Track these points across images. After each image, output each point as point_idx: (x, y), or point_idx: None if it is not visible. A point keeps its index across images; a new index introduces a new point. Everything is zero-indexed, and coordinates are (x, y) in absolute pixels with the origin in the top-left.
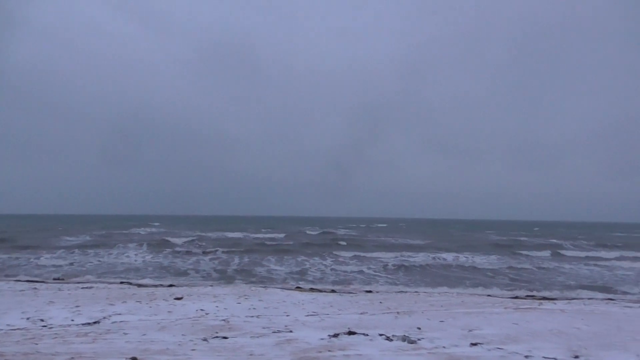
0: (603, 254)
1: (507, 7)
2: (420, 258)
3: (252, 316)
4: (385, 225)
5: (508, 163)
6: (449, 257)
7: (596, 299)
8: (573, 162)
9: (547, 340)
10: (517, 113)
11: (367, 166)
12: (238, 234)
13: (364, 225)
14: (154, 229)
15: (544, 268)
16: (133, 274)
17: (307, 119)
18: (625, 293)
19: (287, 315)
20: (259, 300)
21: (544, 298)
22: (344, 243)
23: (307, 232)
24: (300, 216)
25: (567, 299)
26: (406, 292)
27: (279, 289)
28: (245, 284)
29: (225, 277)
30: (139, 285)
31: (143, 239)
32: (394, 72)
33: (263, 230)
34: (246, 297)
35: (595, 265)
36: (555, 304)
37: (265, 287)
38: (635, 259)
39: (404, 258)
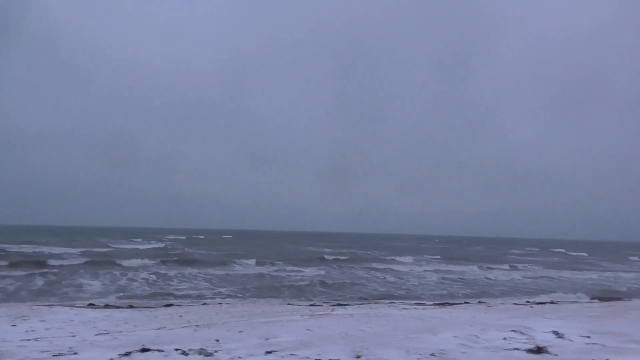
0: (403, 263)
1: (338, 22)
2: (245, 269)
3: (29, 339)
4: (202, 237)
5: (324, 177)
6: (272, 268)
7: (381, 302)
8: (379, 178)
9: (336, 344)
10: (337, 129)
11: (183, 174)
12: (32, 247)
13: (184, 237)
14: None
15: (356, 277)
16: None
17: (121, 118)
18: (419, 297)
19: (73, 336)
20: (41, 320)
21: (339, 304)
22: (168, 257)
23: (113, 245)
24: (110, 227)
25: (357, 304)
26: (209, 304)
27: (67, 307)
28: (27, 302)
29: (11, 297)
30: None
31: None
32: (218, 75)
33: (67, 241)
34: (25, 318)
35: (398, 272)
36: (346, 309)
37: (50, 305)
38: (437, 271)
39: (228, 270)
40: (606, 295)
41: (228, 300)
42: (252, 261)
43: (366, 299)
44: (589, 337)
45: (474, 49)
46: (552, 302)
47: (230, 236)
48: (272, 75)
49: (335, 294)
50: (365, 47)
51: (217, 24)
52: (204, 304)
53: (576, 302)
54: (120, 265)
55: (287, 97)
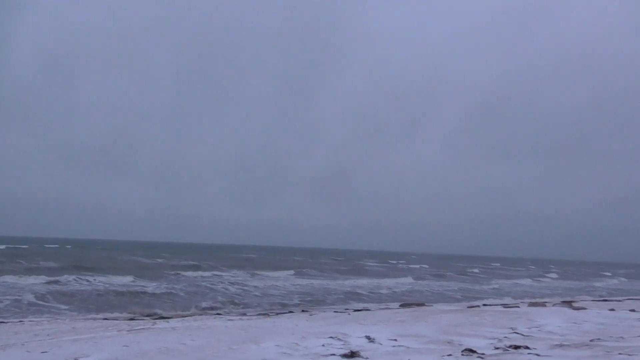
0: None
1: (186, 19)
2: (69, 282)
3: None
4: (26, 247)
5: (155, 183)
6: (100, 280)
7: (206, 314)
8: (215, 187)
9: (154, 359)
10: (172, 130)
11: None
12: None
13: (2, 247)
14: None
15: (194, 289)
16: None
17: None
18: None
19: None
20: None
21: (161, 317)
22: None
23: None
24: None
25: (181, 316)
26: (8, 322)
27: None
28: None
29: None
30: None
31: None
32: (36, 59)
33: None
34: None
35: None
36: (168, 322)
37: None
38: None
39: (52, 284)
40: (415, 302)
41: (31, 317)
42: (80, 273)
43: (196, 310)
44: (395, 340)
45: (325, 65)
46: (367, 309)
47: (57, 246)
48: (105, 63)
49: (164, 306)
50: (212, 49)
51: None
52: (1, 322)
53: (387, 308)
54: None
55: (121, 90)
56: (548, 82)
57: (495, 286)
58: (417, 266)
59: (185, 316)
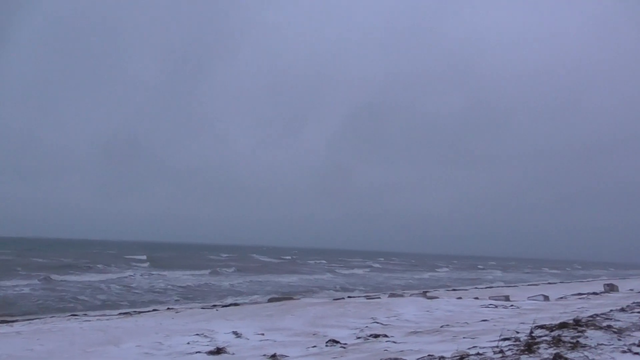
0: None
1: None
2: None
3: None
4: None
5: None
6: None
7: (58, 316)
8: (77, 177)
9: None
10: (38, 112)
11: None
12: None
13: None
14: None
15: (57, 290)
16: None
17: None
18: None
19: None
20: None
21: (4, 321)
22: None
23: None
24: None
25: (28, 319)
26: None
27: None
28: None
29: None
30: None
31: None
32: None
33: None
34: None
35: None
36: (12, 326)
37: None
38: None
39: None
40: (284, 296)
41: None
42: None
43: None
44: (263, 334)
45: (215, 52)
46: (235, 304)
47: None
48: None
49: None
50: (92, 22)
51: None
52: None
53: (256, 302)
54: None
55: None
56: (429, 88)
57: (411, 280)
58: (313, 262)
59: (33, 319)
